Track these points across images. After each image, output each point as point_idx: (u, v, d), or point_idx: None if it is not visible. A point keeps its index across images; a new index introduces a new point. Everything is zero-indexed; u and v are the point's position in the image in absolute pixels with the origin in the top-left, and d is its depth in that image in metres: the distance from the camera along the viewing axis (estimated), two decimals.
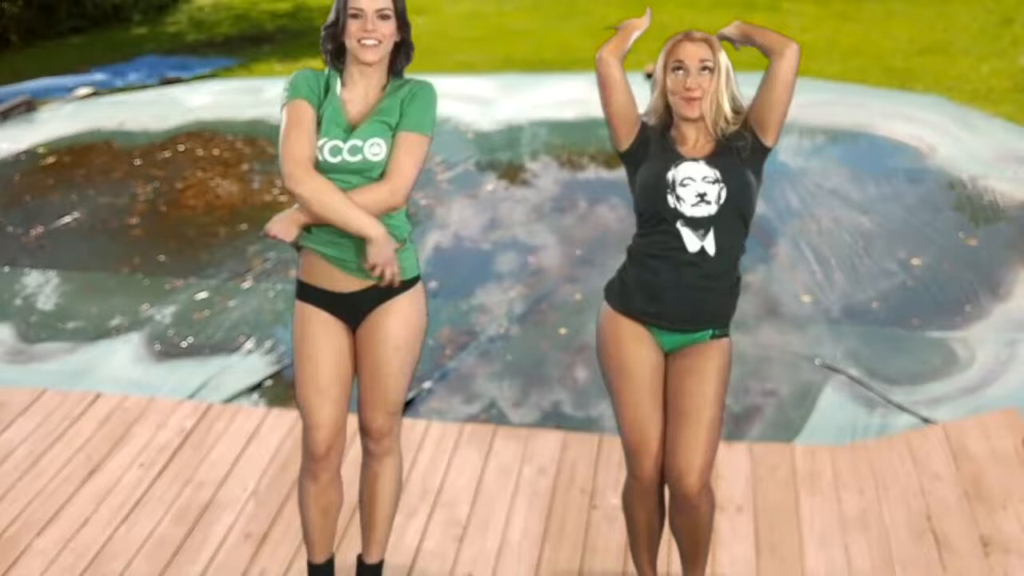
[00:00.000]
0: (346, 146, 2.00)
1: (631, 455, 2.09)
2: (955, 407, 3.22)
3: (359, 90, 2.04)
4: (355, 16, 1.98)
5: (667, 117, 2.09)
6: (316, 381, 2.06)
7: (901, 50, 7.75)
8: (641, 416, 2.05)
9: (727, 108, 2.02)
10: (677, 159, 2.03)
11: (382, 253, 1.98)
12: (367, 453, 2.18)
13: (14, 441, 3.07)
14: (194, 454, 3.00)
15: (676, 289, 2.02)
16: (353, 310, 2.08)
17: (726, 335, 2.11)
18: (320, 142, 2.00)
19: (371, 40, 1.98)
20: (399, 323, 2.07)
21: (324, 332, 2.07)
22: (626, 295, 2.09)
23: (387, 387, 2.09)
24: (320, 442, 2.08)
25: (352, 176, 2.01)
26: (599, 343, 2.13)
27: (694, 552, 2.20)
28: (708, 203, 1.99)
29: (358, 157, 1.99)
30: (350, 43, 2.00)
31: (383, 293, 2.07)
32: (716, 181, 2.00)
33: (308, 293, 2.09)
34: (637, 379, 2.06)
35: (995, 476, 2.78)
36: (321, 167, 2.00)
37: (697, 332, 2.08)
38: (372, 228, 1.97)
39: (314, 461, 2.11)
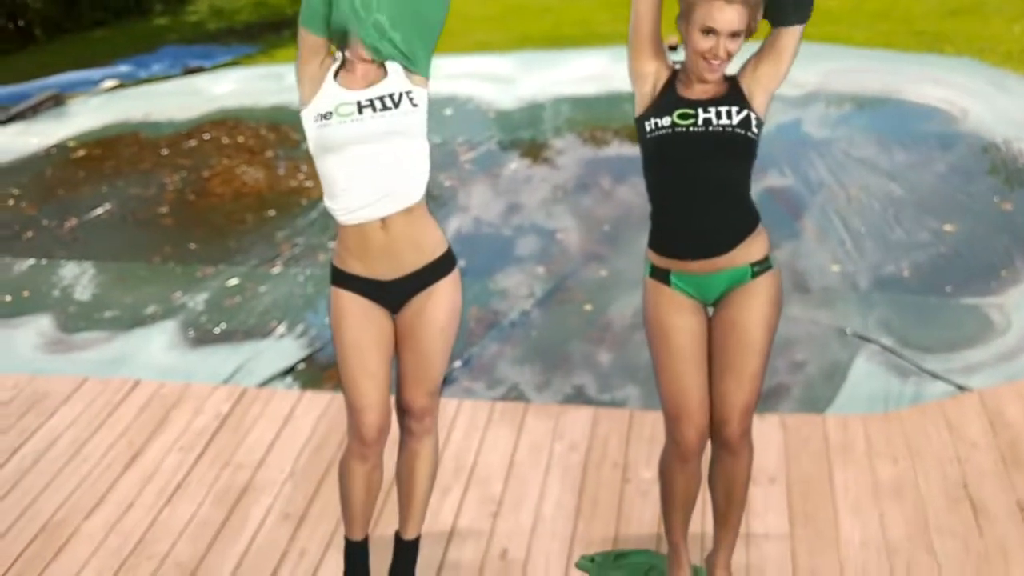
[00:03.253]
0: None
1: (672, 422, 2.09)
2: (991, 374, 3.18)
3: (358, 68, 2.05)
4: None
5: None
6: (365, 368, 2.07)
7: (930, 12, 7.57)
8: (682, 385, 2.05)
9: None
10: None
11: None
12: (408, 433, 2.19)
13: (59, 428, 3.15)
14: (231, 437, 3.06)
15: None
16: (393, 296, 2.09)
17: (768, 267, 2.06)
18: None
19: None
20: (442, 306, 2.10)
21: (366, 319, 2.08)
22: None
23: (432, 368, 2.12)
24: (371, 425, 2.10)
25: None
26: (643, 311, 2.13)
27: (727, 515, 2.20)
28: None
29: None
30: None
31: (424, 279, 2.08)
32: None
33: (345, 280, 2.09)
34: (678, 347, 2.05)
35: None
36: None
37: (734, 268, 2.03)
38: None
39: (365, 445, 2.12)
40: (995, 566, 2.35)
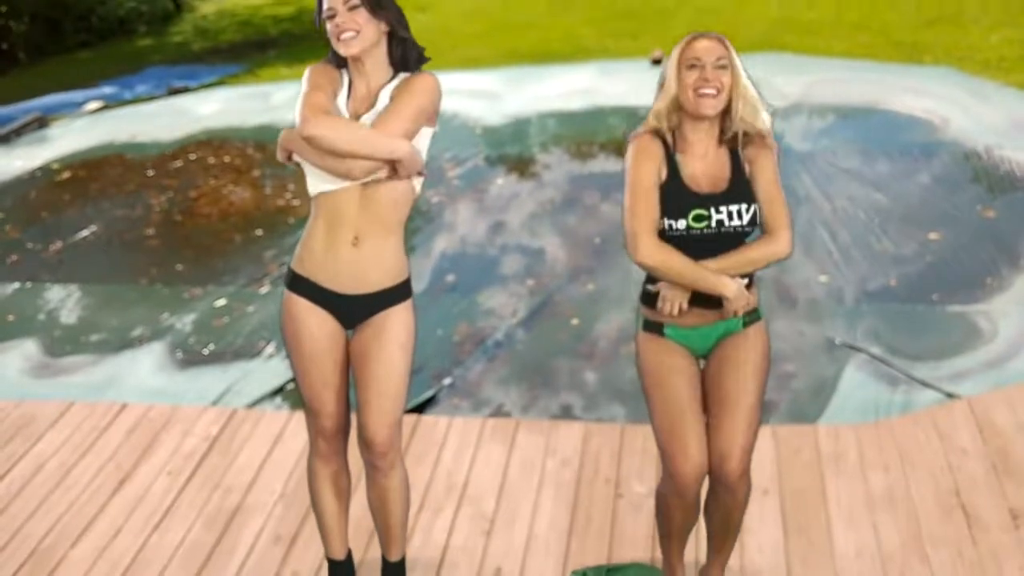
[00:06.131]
0: None
1: (668, 457, 2.07)
2: (979, 381, 3.20)
3: (361, 89, 2.05)
4: (330, 17, 1.99)
5: (674, 121, 2.04)
6: (323, 377, 2.11)
7: (908, 23, 7.67)
8: (677, 417, 2.04)
9: (743, 111, 1.99)
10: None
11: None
12: (374, 469, 2.17)
13: (45, 454, 3.11)
14: (221, 460, 3.03)
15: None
16: (350, 312, 2.10)
17: (758, 318, 2.11)
18: None
19: (348, 33, 1.97)
20: (402, 326, 2.10)
21: (322, 329, 2.09)
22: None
23: (393, 390, 2.09)
24: (330, 427, 2.16)
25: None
26: (639, 365, 2.15)
27: (723, 539, 2.20)
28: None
29: None
30: (334, 44, 1.99)
31: (384, 300, 2.08)
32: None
33: (301, 285, 2.08)
34: (675, 386, 2.06)
35: (1022, 449, 2.76)
36: None
37: (728, 320, 2.07)
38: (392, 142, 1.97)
39: (326, 440, 2.18)
40: (989, 575, 2.35)
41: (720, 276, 1.99)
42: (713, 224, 2.00)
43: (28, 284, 4.68)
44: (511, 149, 5.96)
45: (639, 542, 2.55)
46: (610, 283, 4.12)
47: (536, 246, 4.60)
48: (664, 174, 2.02)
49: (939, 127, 5.47)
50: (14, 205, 5.82)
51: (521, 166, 5.70)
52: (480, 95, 6.69)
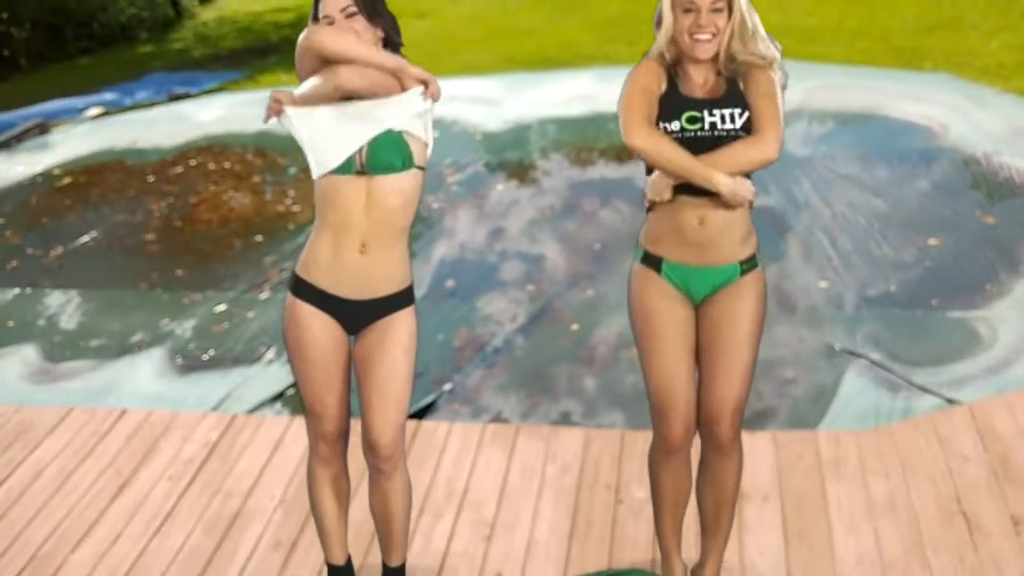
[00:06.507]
0: None
1: (658, 413, 2.07)
2: (980, 387, 3.20)
3: None
4: (327, 24, 2.01)
5: (674, 52, 2.05)
6: (327, 381, 2.12)
7: (908, 29, 7.69)
8: (669, 375, 2.04)
9: (739, 50, 2.00)
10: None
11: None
12: (377, 472, 2.17)
13: (45, 459, 3.11)
14: (221, 465, 3.03)
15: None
16: (354, 317, 2.11)
17: (755, 266, 2.09)
18: None
19: None
20: (405, 330, 2.11)
21: (325, 334, 2.10)
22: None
23: (396, 391, 2.10)
24: (332, 431, 2.17)
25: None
26: (629, 301, 2.12)
27: (717, 518, 2.17)
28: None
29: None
30: None
31: (387, 306, 2.10)
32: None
33: (305, 290, 2.09)
34: (665, 337, 2.04)
35: (1023, 455, 2.75)
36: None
37: (724, 265, 2.06)
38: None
39: (327, 445, 2.19)
40: None
41: (711, 169, 1.95)
42: (706, 126, 1.98)
43: (28, 290, 4.68)
44: (511, 155, 5.97)
45: (639, 547, 2.55)
46: (610, 289, 4.12)
47: (536, 252, 4.61)
48: (663, 88, 2.03)
49: (938, 133, 5.48)
50: (15, 210, 5.83)
51: (521, 172, 5.70)
52: (480, 101, 6.70)
